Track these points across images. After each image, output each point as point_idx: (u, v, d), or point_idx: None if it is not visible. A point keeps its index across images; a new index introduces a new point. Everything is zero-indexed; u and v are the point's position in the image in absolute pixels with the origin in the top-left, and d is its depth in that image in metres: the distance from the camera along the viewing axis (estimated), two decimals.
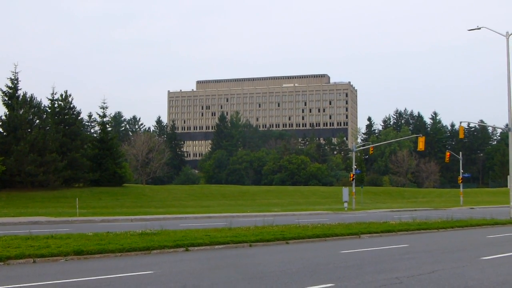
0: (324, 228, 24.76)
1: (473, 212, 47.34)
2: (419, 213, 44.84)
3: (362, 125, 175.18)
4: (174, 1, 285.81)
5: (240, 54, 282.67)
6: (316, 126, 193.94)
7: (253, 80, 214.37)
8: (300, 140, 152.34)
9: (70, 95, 67.43)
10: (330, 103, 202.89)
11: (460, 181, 73.31)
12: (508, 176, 44.79)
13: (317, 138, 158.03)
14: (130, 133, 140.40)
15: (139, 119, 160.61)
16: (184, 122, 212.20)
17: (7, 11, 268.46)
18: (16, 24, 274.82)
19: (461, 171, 75.00)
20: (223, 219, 33.91)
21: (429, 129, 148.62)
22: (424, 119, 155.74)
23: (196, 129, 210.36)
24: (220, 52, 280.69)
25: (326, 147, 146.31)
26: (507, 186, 54.04)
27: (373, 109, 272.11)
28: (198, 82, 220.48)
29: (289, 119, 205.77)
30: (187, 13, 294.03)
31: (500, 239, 23.68)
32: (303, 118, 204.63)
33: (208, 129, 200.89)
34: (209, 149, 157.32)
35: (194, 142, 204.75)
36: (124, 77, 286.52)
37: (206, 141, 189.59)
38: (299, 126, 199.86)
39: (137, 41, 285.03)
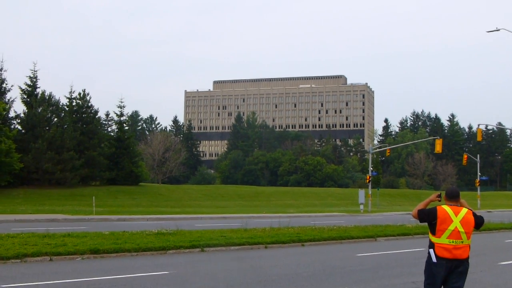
0: (340, 231, 24.62)
1: (491, 215, 46.76)
2: None
3: (378, 126, 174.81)
4: (192, 0, 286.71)
5: (257, 55, 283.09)
6: (333, 127, 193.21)
7: (270, 80, 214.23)
8: (316, 141, 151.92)
9: (88, 94, 67.83)
10: (346, 104, 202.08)
11: (478, 184, 72.59)
12: None
13: (333, 140, 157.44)
14: (147, 132, 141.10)
15: (156, 118, 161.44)
16: (201, 122, 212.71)
17: (24, 11, 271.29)
18: (33, 24, 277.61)
19: (479, 174, 74.29)
20: (238, 220, 33.85)
21: (446, 131, 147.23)
22: (442, 121, 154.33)
23: (213, 129, 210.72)
24: (237, 52, 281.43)
25: (343, 149, 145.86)
26: None
27: (390, 111, 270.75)
28: (215, 82, 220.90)
29: (306, 120, 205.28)
30: (204, 11, 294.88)
31: None
32: (319, 119, 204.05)
33: (225, 129, 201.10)
34: (225, 149, 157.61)
35: (210, 142, 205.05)
36: (141, 76, 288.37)
37: (222, 141, 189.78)
38: (316, 127, 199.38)
39: (154, 41, 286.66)
